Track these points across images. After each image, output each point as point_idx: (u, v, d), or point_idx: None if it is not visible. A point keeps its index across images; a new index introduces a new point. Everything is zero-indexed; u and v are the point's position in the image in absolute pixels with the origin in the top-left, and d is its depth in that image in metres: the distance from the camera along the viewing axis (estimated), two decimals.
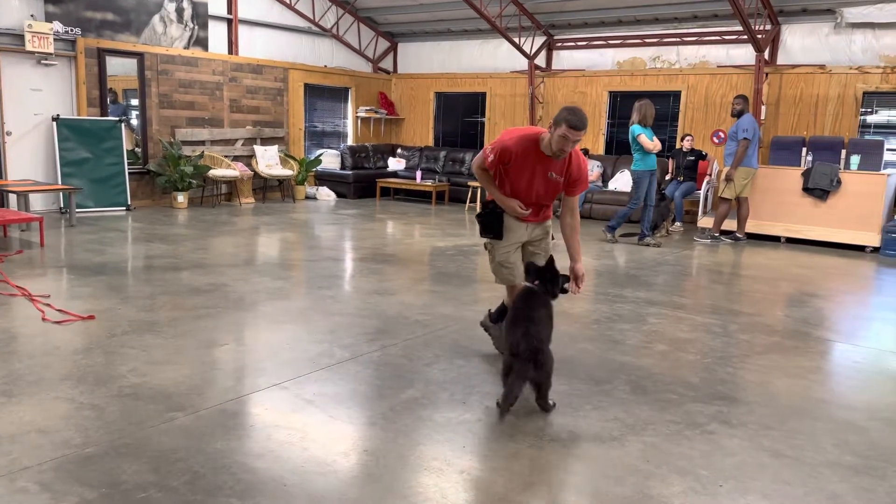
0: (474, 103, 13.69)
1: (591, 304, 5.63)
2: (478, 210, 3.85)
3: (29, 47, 9.00)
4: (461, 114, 13.97)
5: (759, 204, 9.35)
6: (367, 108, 13.88)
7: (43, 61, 9.34)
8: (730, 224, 9.39)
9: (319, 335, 4.58)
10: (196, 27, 11.02)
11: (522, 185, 3.76)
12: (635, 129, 8.52)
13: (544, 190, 3.79)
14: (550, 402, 3.44)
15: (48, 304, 4.98)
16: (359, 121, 13.93)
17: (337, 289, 5.95)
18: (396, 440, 3.08)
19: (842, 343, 4.82)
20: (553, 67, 12.64)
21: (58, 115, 9.41)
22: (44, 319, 4.65)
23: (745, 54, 10.52)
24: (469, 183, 12.05)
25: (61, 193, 9.36)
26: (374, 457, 2.92)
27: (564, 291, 3.77)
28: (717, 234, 9.11)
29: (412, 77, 14.35)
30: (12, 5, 8.96)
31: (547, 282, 3.68)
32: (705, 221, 9.70)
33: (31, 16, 9.12)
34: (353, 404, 3.47)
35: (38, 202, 9.41)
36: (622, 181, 11.29)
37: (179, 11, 10.77)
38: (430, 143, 14.20)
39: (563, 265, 3.81)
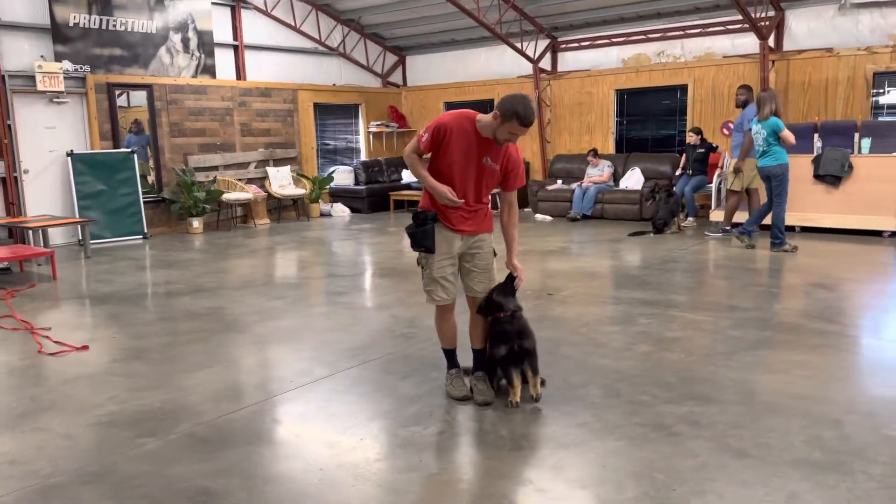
0: (482, 110, 13.63)
1: (582, 308, 5.58)
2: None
3: (40, 87, 9.33)
4: None
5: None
6: (379, 122, 14.01)
7: (55, 99, 9.66)
8: (741, 216, 9.20)
9: (304, 353, 4.64)
10: (203, 55, 11.28)
11: (456, 170, 3.52)
12: (778, 122, 7.49)
13: (478, 177, 3.56)
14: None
15: (47, 337, 5.14)
16: (371, 136, 14.06)
17: (332, 306, 6.01)
18: (354, 452, 3.10)
19: (836, 335, 4.69)
20: (559, 69, 12.59)
21: (71, 150, 9.72)
22: (39, 352, 4.80)
23: (750, 43, 10.34)
24: None
25: (78, 226, 9.63)
26: (326, 474, 2.94)
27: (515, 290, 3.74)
28: (728, 228, 8.94)
29: (421, 89, 14.44)
30: (23, 48, 9.30)
31: (508, 302, 3.63)
32: (717, 215, 9.54)
33: (41, 56, 9.45)
34: (319, 422, 3.51)
35: (57, 236, 9.70)
36: (633, 180, 11.18)
37: (185, 41, 11.03)
38: None
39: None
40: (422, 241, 3.63)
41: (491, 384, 3.78)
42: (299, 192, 12.02)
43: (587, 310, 5.52)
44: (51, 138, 9.71)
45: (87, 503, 2.76)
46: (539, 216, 11.57)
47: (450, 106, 14.12)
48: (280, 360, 4.55)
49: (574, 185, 11.45)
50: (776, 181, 7.58)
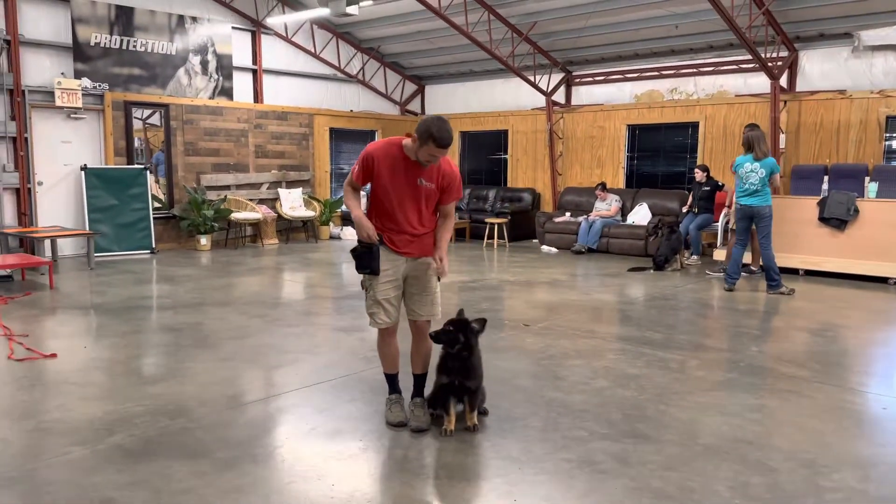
0: (497, 141, 13.77)
1: (553, 340, 5.51)
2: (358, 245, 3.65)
3: (59, 103, 9.66)
4: (485, 151, 14.07)
5: (776, 235, 8.91)
6: None
7: (72, 115, 9.98)
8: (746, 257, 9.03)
9: (259, 373, 4.66)
10: (221, 78, 11.57)
11: (393, 195, 3.53)
12: (774, 164, 7.48)
13: (415, 198, 3.56)
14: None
15: (21, 343, 5.25)
16: None
17: (307, 326, 6.04)
18: (271, 479, 3.09)
19: (804, 380, 4.55)
20: (572, 103, 12.62)
21: (85, 164, 10.00)
22: (9, 357, 4.90)
23: (763, 82, 10.24)
24: (487, 220, 12.05)
25: (84, 238, 9.87)
26: (243, 494, 2.93)
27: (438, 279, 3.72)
28: (755, 269, 8.72)
29: None
30: (44, 65, 9.66)
31: (463, 332, 3.56)
32: (720, 254, 9.37)
33: (62, 74, 9.80)
34: (245, 444, 3.51)
35: (67, 247, 9.95)
36: (640, 215, 11.08)
37: (204, 64, 11.34)
38: None
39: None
40: (367, 263, 3.63)
41: (434, 408, 3.73)
42: (309, 214, 12.16)
43: (557, 342, 5.44)
44: (66, 152, 10.02)
45: None
46: (545, 248, 11.52)
47: (465, 135, 14.24)
48: (235, 378, 4.57)
49: (581, 219, 11.39)
50: (764, 222, 7.46)
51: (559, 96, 12.57)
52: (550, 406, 4.01)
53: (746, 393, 4.28)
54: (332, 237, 12.72)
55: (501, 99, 13.61)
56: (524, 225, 12.54)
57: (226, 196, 11.32)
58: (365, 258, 3.62)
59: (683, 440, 3.53)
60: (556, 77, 12.43)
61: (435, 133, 3.31)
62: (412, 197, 3.57)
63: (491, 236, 11.94)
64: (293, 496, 2.91)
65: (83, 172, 9.99)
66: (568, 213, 11.87)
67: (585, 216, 11.39)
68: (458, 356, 3.56)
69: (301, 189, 12.45)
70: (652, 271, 9.21)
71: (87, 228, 9.88)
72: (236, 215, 11.12)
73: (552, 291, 7.69)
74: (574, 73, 12.54)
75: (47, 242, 9.41)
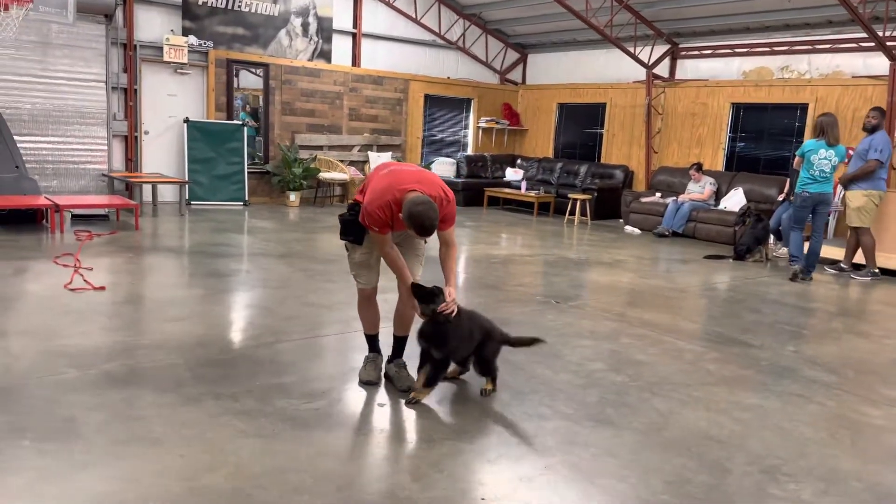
0: (595, 114, 13.34)
1: (575, 320, 5.37)
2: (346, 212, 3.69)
3: (166, 58, 10.35)
4: (581, 125, 13.68)
5: (883, 231, 8.12)
6: (489, 118, 14.07)
7: (178, 70, 10.68)
8: (838, 253, 8.29)
9: (268, 321, 4.87)
10: (320, 41, 11.94)
11: (395, 237, 3.62)
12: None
13: (415, 239, 3.71)
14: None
15: (81, 275, 5.77)
16: (480, 131, 14.16)
17: (345, 283, 6.16)
18: (218, 416, 3.26)
19: (823, 386, 4.18)
20: (676, 77, 11.97)
21: (187, 117, 10.69)
22: (64, 286, 5.41)
23: (883, 63, 9.24)
24: (570, 195, 11.77)
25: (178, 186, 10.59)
26: (186, 427, 3.13)
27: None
28: (876, 271, 7.95)
29: (538, 88, 14.31)
30: (154, 22, 10.37)
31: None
32: (832, 252, 8.50)
33: (171, 31, 10.48)
34: (217, 383, 3.70)
35: (168, 193, 10.72)
36: (734, 200, 10.41)
37: (305, 26, 11.73)
38: (550, 154, 14.05)
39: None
40: (353, 231, 3.66)
41: (419, 370, 3.73)
42: None
43: (578, 322, 5.30)
44: (171, 105, 10.75)
45: None
46: (628, 228, 11.12)
47: (562, 107, 13.90)
48: (245, 323, 4.81)
49: (669, 200, 10.87)
50: (827, 209, 7.25)
51: (661, 69, 11.96)
52: (529, 382, 3.94)
53: (750, 392, 3.99)
54: None
55: (603, 70, 13.13)
56: (612, 203, 12.12)
57: (316, 156, 11.74)
58: (351, 227, 3.65)
59: (647, 430, 3.37)
60: (659, 49, 11.81)
61: (416, 226, 3.26)
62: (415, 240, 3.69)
63: (573, 212, 11.66)
64: (225, 430, 3.06)
65: (185, 125, 10.69)
66: (658, 194, 11.36)
67: (674, 198, 10.86)
68: (432, 323, 3.55)
69: (391, 154, 12.68)
70: (731, 260, 8.67)
71: (186, 177, 10.59)
72: (324, 175, 11.52)
73: (606, 272, 7.45)
74: (680, 46, 11.87)
75: (147, 187, 10.22)
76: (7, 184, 8.18)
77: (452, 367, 3.77)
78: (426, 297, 3.44)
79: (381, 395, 3.65)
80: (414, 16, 12.92)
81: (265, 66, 11.37)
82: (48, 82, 9.58)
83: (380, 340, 3.95)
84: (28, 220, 8.17)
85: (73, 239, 7.39)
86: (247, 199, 11.15)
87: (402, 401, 3.55)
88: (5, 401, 3.25)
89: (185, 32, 10.59)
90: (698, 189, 10.83)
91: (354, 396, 3.59)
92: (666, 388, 3.98)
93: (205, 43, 10.75)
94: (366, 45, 12.54)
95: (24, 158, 9.10)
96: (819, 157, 6.94)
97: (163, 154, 10.81)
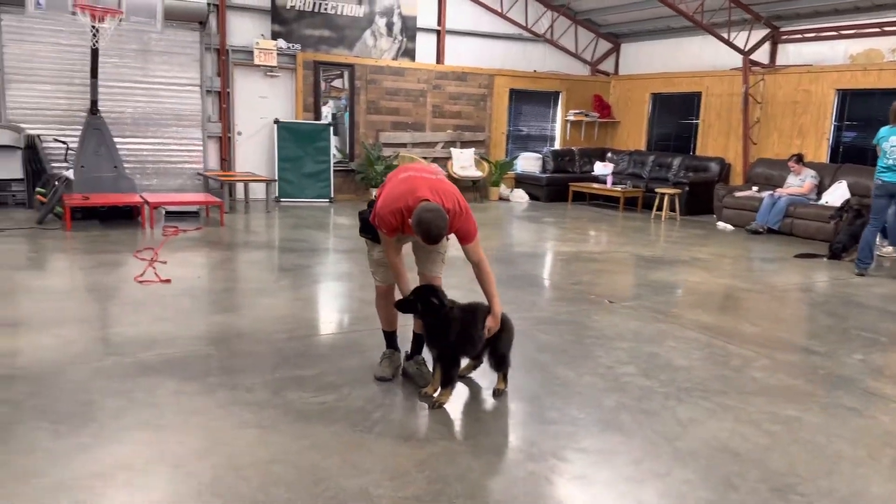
0: (689, 104, 12.73)
1: (624, 321, 5.15)
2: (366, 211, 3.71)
3: (257, 62, 10.84)
4: (676, 115, 13.09)
5: None
6: (577, 111, 13.75)
7: (268, 73, 11.14)
8: None
9: (315, 315, 5.00)
10: (405, 39, 12.09)
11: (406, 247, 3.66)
12: None
13: (428, 249, 3.65)
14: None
15: (153, 268, 6.15)
16: (568, 124, 13.87)
17: None
18: (229, 406, 3.39)
19: (886, 400, 3.78)
20: (777, 62, 11.21)
21: (277, 118, 11.14)
22: (134, 279, 5.79)
23: None
24: (657, 189, 11.30)
25: (276, 183, 11.04)
26: (197, 414, 3.27)
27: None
28: None
29: (630, 78, 13.83)
30: (245, 27, 10.87)
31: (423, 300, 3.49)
32: None
33: (261, 35, 10.95)
34: (241, 373, 3.84)
35: (260, 190, 11.22)
36: (836, 194, 9.63)
37: (389, 26, 11.92)
38: (643, 146, 13.55)
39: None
40: (370, 229, 3.65)
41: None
42: (477, 174, 12.37)
43: (625, 323, 5.08)
44: (262, 107, 11.24)
45: (8, 392, 3.42)
46: (721, 224, 10.55)
47: (656, 98, 13.36)
48: (290, 317, 4.95)
49: (765, 194, 10.21)
50: None
51: (760, 55, 11.23)
52: (547, 384, 3.82)
53: (791, 403, 3.68)
54: (501, 198, 12.82)
55: (698, 58, 12.49)
56: (706, 198, 11.52)
57: (398, 153, 11.91)
58: (369, 225, 3.64)
59: (657, 439, 3.18)
60: (758, 34, 11.10)
61: (422, 234, 3.23)
62: (428, 250, 3.64)
63: (661, 208, 11.19)
64: (229, 419, 3.17)
65: (275, 125, 11.14)
66: (755, 188, 10.69)
67: (771, 192, 10.18)
68: (425, 320, 3.53)
69: (474, 149, 12.66)
70: (826, 259, 8.03)
71: (276, 176, 11.04)
72: None
73: (678, 271, 7.10)
74: (781, 30, 11.10)
75: (239, 185, 10.75)
76: (107, 183, 8.85)
77: (465, 362, 3.71)
78: (410, 310, 3.49)
79: (392, 392, 3.66)
80: (500, 10, 12.82)
81: (350, 66, 11.66)
82: (148, 87, 10.27)
83: (398, 337, 3.96)
84: (125, 217, 8.80)
85: (161, 234, 7.89)
86: (332, 196, 11.49)
87: (419, 401, 3.53)
88: (42, 385, 3.52)
89: (275, 36, 11.03)
90: (798, 182, 10.10)
91: (365, 392, 3.61)
92: (696, 395, 3.74)
93: (293, 46, 11.15)
94: (450, 41, 12.57)
95: (126, 159, 9.83)
96: (891, 145, 6.37)
97: (254, 153, 11.32)
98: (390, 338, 3.96)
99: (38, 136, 9.41)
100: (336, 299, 5.43)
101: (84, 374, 3.69)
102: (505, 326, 3.62)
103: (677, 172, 12.22)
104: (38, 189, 8.67)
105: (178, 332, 4.46)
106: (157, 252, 6.85)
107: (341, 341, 4.44)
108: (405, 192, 3.36)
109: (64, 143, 9.51)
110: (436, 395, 3.51)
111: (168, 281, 5.76)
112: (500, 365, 3.64)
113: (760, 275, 7.11)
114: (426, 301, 3.45)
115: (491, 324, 3.50)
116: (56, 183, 8.46)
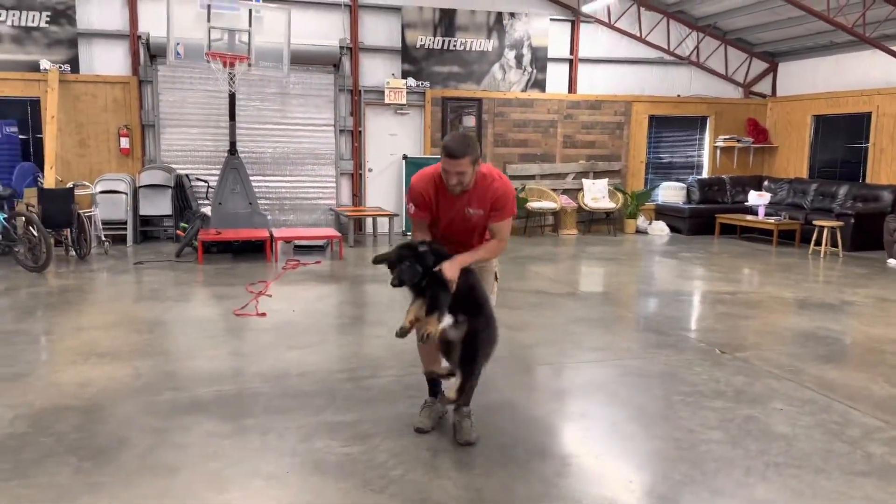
0: (858, 126, 11.30)
1: (728, 374, 4.48)
2: None
3: (387, 100, 11.11)
4: (842, 139, 11.68)
5: None
6: (728, 136, 12.71)
7: (398, 111, 11.37)
8: None
9: (387, 354, 4.83)
10: (535, 70, 11.87)
11: (443, 222, 3.40)
12: None
13: (463, 227, 3.39)
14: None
15: (256, 302, 6.33)
16: (717, 151, 12.85)
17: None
18: (262, 448, 3.28)
19: None
20: None
21: (405, 154, 11.32)
22: (234, 312, 5.98)
23: None
24: (816, 222, 10.05)
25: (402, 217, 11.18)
26: (217, 458, 3.20)
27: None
28: None
29: (789, 100, 12.58)
30: (377, 68, 11.20)
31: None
32: None
33: (392, 74, 11.22)
34: (287, 413, 3.74)
35: (384, 224, 11.40)
36: None
37: (518, 58, 11.76)
38: (804, 173, 12.21)
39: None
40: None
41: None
42: (610, 205, 11.75)
43: (731, 378, 4.40)
44: (392, 143, 11.48)
45: (60, 423, 3.55)
46: (891, 262, 9.17)
47: (818, 120, 12.03)
48: (362, 352, 4.82)
49: None
50: None
51: None
52: (607, 442, 3.34)
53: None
54: (638, 231, 12.07)
55: (867, 75, 11.09)
56: (875, 231, 10.08)
57: (525, 185, 11.62)
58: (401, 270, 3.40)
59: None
60: None
61: (447, 141, 3.20)
62: (462, 228, 3.42)
63: (819, 242, 9.93)
64: (245, 466, 3.05)
65: (403, 161, 11.32)
66: None
67: None
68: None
69: (607, 180, 12.07)
70: None
71: (403, 211, 11.16)
72: (532, 204, 11.34)
73: (818, 316, 6.14)
74: None
75: (368, 220, 11.00)
76: (241, 218, 9.39)
77: (445, 364, 3.36)
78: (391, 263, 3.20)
79: (424, 446, 3.37)
80: (639, 34, 12.23)
81: (478, 101, 11.61)
82: (286, 128, 10.85)
83: (442, 383, 3.68)
84: (256, 251, 9.26)
85: (281, 268, 8.19)
86: None
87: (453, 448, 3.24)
88: (90, 418, 3.63)
89: (405, 75, 11.25)
90: None
91: (394, 445, 3.36)
92: (787, 472, 3.10)
93: (422, 83, 11.32)
94: (583, 69, 12.16)
95: (266, 196, 10.42)
96: None
97: (384, 189, 11.56)
98: (432, 384, 3.69)
99: (187, 175, 10.23)
100: (411, 338, 5.23)
101: (134, 408, 3.77)
102: (487, 324, 3.25)
103: (843, 202, 10.84)
104: (181, 224, 9.39)
105: (245, 368, 4.49)
106: (268, 285, 7.07)
107: (395, 385, 4.23)
108: (433, 166, 3.38)
109: (205, 181, 10.26)
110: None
111: (263, 314, 5.88)
112: (464, 363, 3.22)
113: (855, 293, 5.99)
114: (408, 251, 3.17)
115: (446, 267, 3.13)
116: (195, 219, 9.11)
